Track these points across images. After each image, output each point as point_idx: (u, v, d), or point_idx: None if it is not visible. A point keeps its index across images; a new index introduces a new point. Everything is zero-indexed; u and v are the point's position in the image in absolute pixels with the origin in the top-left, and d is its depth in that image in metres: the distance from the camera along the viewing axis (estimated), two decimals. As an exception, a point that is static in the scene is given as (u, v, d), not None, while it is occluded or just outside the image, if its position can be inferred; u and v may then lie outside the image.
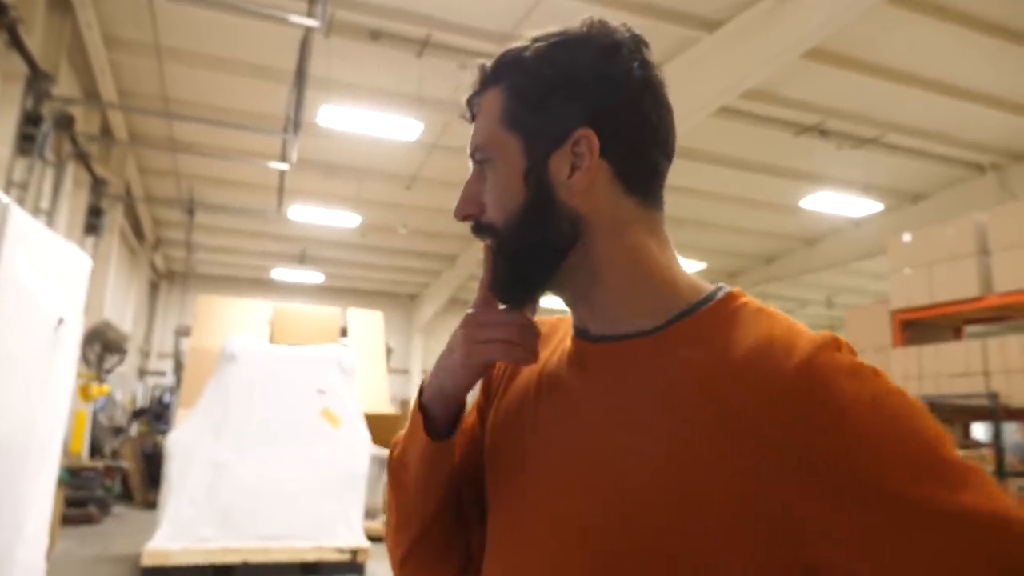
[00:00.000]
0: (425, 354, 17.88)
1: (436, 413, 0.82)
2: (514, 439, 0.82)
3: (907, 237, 6.50)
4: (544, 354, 0.86)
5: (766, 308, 0.74)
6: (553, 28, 0.80)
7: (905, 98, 7.42)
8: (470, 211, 0.81)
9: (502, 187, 0.78)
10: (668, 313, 0.75)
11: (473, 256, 13.39)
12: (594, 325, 0.79)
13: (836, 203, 10.09)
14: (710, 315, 0.74)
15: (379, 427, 6.93)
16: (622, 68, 0.76)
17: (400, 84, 7.49)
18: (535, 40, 0.79)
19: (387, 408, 8.65)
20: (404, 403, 16.54)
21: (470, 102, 0.83)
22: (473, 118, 0.82)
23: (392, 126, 7.71)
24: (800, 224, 11.57)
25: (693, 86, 6.58)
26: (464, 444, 0.89)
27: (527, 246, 0.77)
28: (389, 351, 12.71)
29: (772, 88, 7.30)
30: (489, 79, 0.80)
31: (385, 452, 8.01)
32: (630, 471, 0.69)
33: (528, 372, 0.86)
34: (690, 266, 13.75)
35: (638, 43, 0.79)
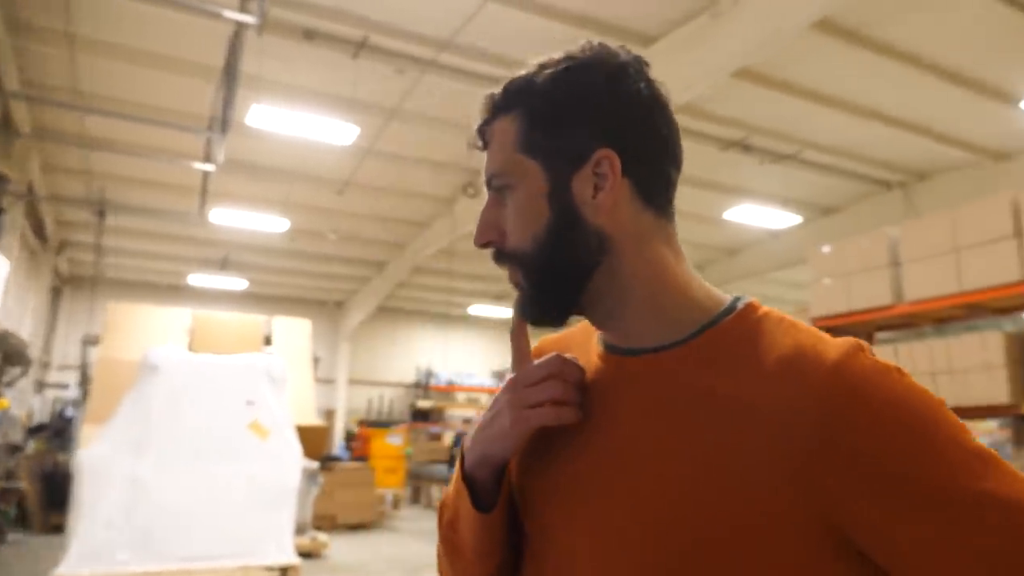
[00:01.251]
0: (352, 363, 17.55)
1: (481, 476, 0.81)
2: (548, 456, 0.81)
3: (826, 249, 6.76)
4: None
5: (787, 318, 0.77)
6: (555, 55, 0.81)
7: (822, 118, 7.75)
8: (491, 238, 0.82)
9: (526, 211, 0.79)
10: (693, 324, 0.77)
11: (403, 263, 13.26)
12: (622, 339, 0.81)
13: (757, 215, 10.45)
14: (735, 325, 0.76)
15: (306, 439, 6.74)
16: (631, 88, 0.79)
17: (335, 86, 7.34)
18: (542, 67, 0.81)
19: (314, 419, 8.43)
20: (330, 414, 16.22)
21: (481, 131, 0.84)
22: (485, 146, 0.83)
23: (326, 129, 7.54)
24: (723, 235, 11.91)
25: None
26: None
27: (556, 267, 0.78)
28: (316, 360, 12.42)
29: (700, 104, 7.50)
30: (500, 107, 0.82)
31: (313, 464, 7.78)
32: (676, 480, 0.70)
33: None
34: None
35: (640, 64, 0.81)
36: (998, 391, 5.19)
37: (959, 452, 0.64)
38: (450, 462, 12.05)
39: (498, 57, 6.73)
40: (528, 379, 0.77)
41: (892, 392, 0.66)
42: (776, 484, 0.65)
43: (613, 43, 0.84)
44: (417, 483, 14.12)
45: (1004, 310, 5.97)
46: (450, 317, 18.43)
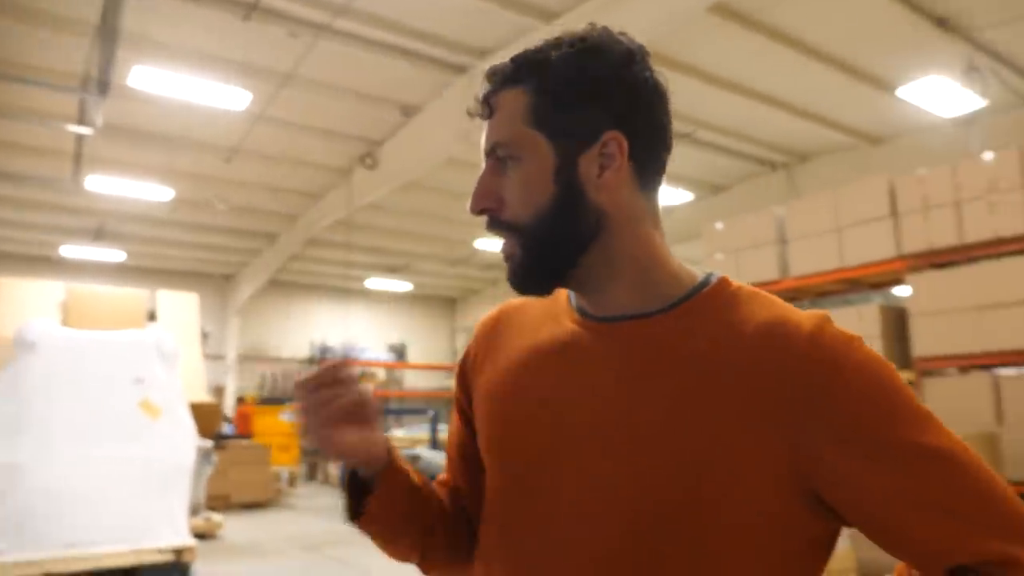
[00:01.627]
0: (242, 338, 16.94)
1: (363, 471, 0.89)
2: (524, 414, 0.85)
3: (719, 225, 7.05)
4: (531, 335, 0.91)
5: (760, 292, 0.84)
6: (561, 34, 0.84)
7: (715, 99, 8.02)
8: (488, 205, 0.84)
9: (531, 184, 0.82)
10: (672, 296, 0.83)
11: (296, 235, 12.85)
12: (602, 309, 0.85)
13: (651, 192, 10.76)
14: (712, 297, 0.82)
15: (197, 417, 6.46)
16: (639, 76, 0.83)
17: (225, 49, 6.94)
18: (554, 44, 0.84)
19: (204, 396, 8.09)
20: (219, 391, 15.61)
21: (487, 99, 0.85)
22: (490, 114, 0.85)
23: (215, 94, 7.14)
24: (618, 211, 12.14)
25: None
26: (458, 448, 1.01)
27: (556, 240, 0.82)
28: (205, 336, 11.88)
29: (601, 81, 7.58)
30: (509, 78, 0.84)
31: (207, 443, 7.47)
32: (666, 434, 0.75)
33: (520, 351, 0.90)
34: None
35: (643, 52, 0.85)
36: (872, 360, 5.60)
37: (908, 411, 0.74)
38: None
39: (395, 24, 6.56)
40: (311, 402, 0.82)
41: (858, 359, 0.74)
42: (760, 438, 0.73)
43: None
44: (313, 460, 13.86)
45: (879, 285, 6.43)
46: (347, 291, 18.06)
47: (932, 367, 5.23)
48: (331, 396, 0.81)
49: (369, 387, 0.84)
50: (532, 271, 0.83)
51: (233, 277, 17.09)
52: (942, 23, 6.42)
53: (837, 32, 6.75)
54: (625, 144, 0.81)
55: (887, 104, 7.95)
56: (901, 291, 6.91)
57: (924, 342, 5.17)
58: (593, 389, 0.81)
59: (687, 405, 0.75)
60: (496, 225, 0.84)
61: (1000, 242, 4.88)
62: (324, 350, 17.72)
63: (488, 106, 0.85)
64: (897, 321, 5.52)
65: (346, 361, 0.83)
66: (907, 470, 0.71)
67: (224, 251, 15.17)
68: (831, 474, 0.73)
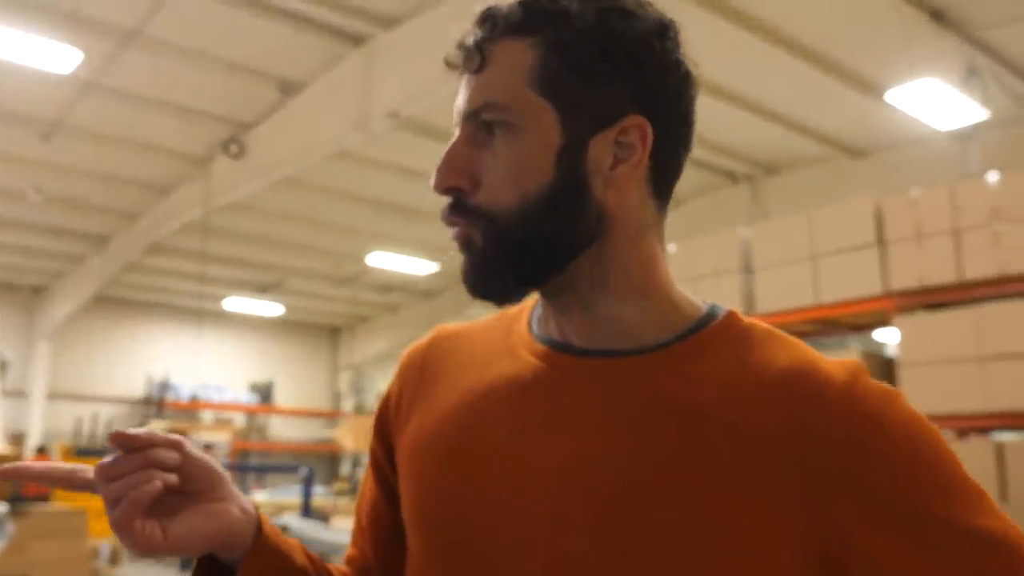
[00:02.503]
0: (56, 370, 16.33)
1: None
2: (468, 476, 0.83)
3: (672, 248, 7.12)
4: (479, 372, 0.89)
5: (775, 330, 0.84)
6: None
7: (670, 92, 8.17)
8: (458, 184, 0.81)
9: (523, 163, 0.79)
10: (672, 329, 0.83)
11: (135, 239, 12.53)
12: (584, 338, 0.84)
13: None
14: (720, 333, 0.82)
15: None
16: (672, 54, 0.83)
17: (48, -6, 6.67)
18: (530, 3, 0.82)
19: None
20: (18, 438, 14.86)
21: (480, 46, 0.82)
22: (479, 67, 0.82)
23: (33, 50, 6.78)
24: (547, 225, 12.29)
25: (444, 52, 6.61)
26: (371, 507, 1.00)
27: (539, 237, 0.80)
28: (4, 364, 11.30)
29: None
30: (513, 25, 0.81)
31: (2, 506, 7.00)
32: (659, 503, 0.74)
33: (464, 393, 0.88)
34: (423, 267, 14.01)
35: (677, 29, 0.85)
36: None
37: (958, 486, 0.74)
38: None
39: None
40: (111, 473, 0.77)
41: (902, 421, 0.75)
42: (780, 512, 0.73)
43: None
44: (144, 531, 13.31)
45: (861, 327, 6.60)
46: (199, 313, 17.57)
47: (923, 429, 5.36)
48: (141, 479, 0.75)
49: (213, 455, 0.79)
50: (496, 269, 0.81)
51: (45, 290, 16.66)
52: (938, 16, 6.72)
53: (816, 21, 6.98)
54: (650, 134, 0.80)
55: (871, 110, 8.27)
56: (885, 335, 7.12)
57: (914, 399, 5.17)
58: (566, 446, 0.79)
59: (688, 468, 0.75)
60: (461, 211, 0.81)
61: (1005, 280, 5.05)
62: (164, 388, 17.22)
63: (480, 55, 0.81)
64: (882, 372, 5.65)
65: (168, 440, 0.78)
66: (958, 560, 0.72)
67: (35, 255, 14.73)
68: (863, 560, 0.73)
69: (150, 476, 0.75)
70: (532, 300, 0.93)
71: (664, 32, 0.83)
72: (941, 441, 0.76)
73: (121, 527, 0.75)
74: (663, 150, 0.82)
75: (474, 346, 0.93)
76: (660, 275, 0.84)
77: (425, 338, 0.99)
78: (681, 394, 0.78)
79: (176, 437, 0.79)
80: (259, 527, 0.85)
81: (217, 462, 0.83)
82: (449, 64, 0.85)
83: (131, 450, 0.76)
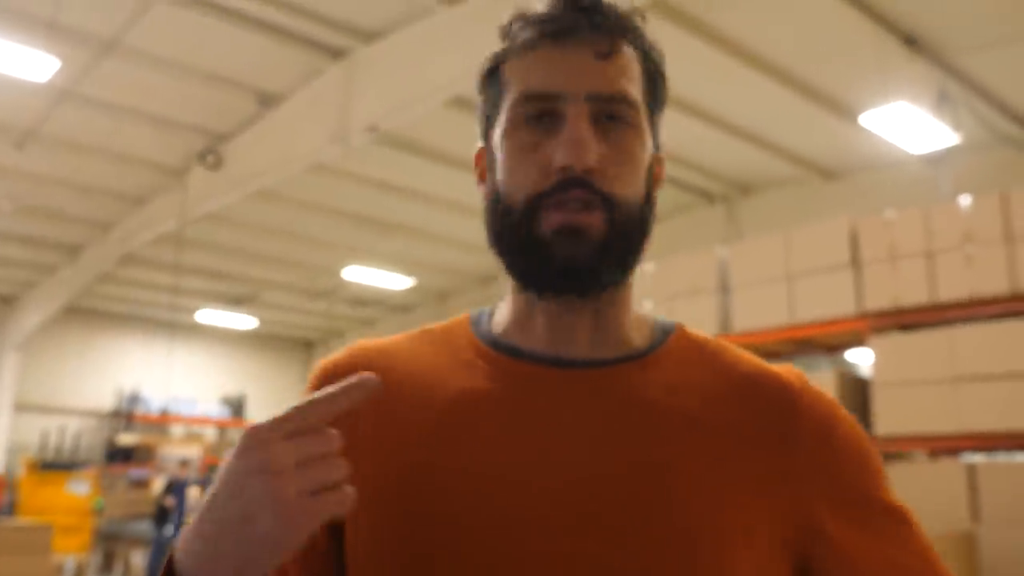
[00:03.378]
0: (21, 383, 16.05)
1: None
2: (463, 505, 0.78)
3: (650, 267, 7.13)
4: (435, 389, 0.86)
5: (722, 340, 0.93)
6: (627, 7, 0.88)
7: (648, 111, 8.20)
8: (597, 165, 0.81)
9: (641, 163, 0.85)
10: (645, 339, 0.89)
11: (108, 250, 12.39)
12: (585, 347, 0.86)
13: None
14: (682, 343, 0.90)
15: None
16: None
17: (27, 2, 6.60)
18: (637, 15, 0.88)
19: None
20: (-15, 450, 14.60)
21: (612, 32, 0.84)
22: (608, 55, 0.83)
23: (9, 57, 6.70)
24: (522, 243, 12.28)
25: (425, 67, 6.64)
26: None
27: (643, 237, 0.86)
28: (-30, 376, 11.10)
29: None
30: (628, 31, 0.86)
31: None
32: (664, 505, 0.77)
33: (429, 413, 0.84)
34: (399, 282, 13.93)
35: None
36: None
37: (881, 471, 0.88)
38: (157, 518, 11.29)
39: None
40: (303, 447, 0.64)
41: (847, 420, 0.88)
42: (762, 498, 0.80)
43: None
44: (111, 546, 13.10)
45: (835, 347, 6.64)
46: (170, 325, 17.39)
47: (896, 449, 5.40)
48: (324, 445, 0.65)
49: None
50: (613, 259, 0.83)
51: (14, 300, 16.49)
52: (910, 42, 6.81)
53: (791, 43, 7.05)
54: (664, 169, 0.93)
55: (845, 132, 8.36)
56: (860, 355, 7.17)
57: (888, 419, 5.33)
58: (575, 456, 0.80)
59: (684, 469, 0.79)
60: (591, 194, 0.80)
61: (977, 303, 5.11)
62: (134, 400, 17.00)
63: (610, 44, 0.83)
64: (856, 392, 5.68)
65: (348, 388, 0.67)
66: (892, 534, 0.83)
67: (5, 264, 14.57)
68: (823, 540, 0.81)
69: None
70: (460, 318, 0.95)
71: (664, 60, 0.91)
72: (865, 435, 0.90)
73: (318, 511, 0.63)
74: None
75: (416, 360, 0.89)
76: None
77: (343, 354, 0.92)
78: (671, 401, 0.83)
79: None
80: None
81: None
82: (553, 23, 0.82)
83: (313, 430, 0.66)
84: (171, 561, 0.67)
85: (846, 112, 7.92)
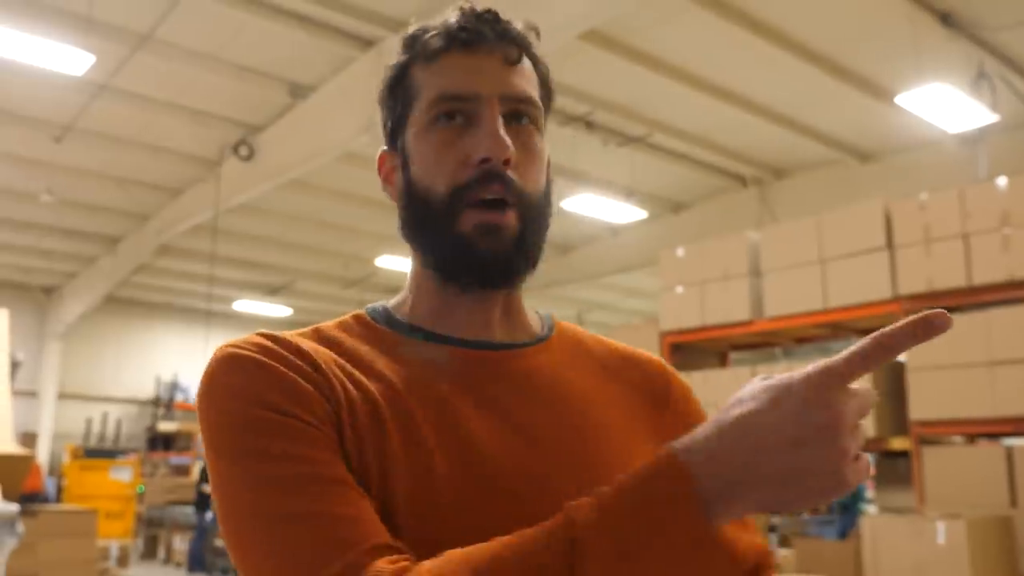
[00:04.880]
0: (64, 369, 16.29)
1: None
2: (467, 464, 0.82)
3: (681, 252, 7.09)
4: (391, 378, 0.87)
5: (579, 328, 1.09)
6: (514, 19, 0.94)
7: (677, 96, 8.15)
8: (513, 158, 0.88)
9: (543, 161, 0.94)
10: (538, 325, 1.01)
11: (146, 240, 12.53)
12: (505, 333, 0.96)
13: (596, 206, 10.69)
14: (563, 329, 1.04)
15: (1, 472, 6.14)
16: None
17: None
18: (520, 27, 0.94)
19: (11, 446, 7.64)
20: (30, 437, 14.82)
21: (519, 42, 0.92)
22: (517, 61, 0.91)
23: (47, 53, 6.79)
24: (555, 228, 12.17)
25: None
26: None
27: (544, 231, 0.94)
28: (15, 365, 11.23)
29: (542, 66, 7.61)
30: (526, 44, 0.93)
31: (10, 507, 7.09)
32: (604, 445, 0.92)
33: (389, 406, 0.84)
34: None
35: None
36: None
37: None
38: (198, 504, 11.44)
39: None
40: (859, 407, 0.67)
41: (677, 374, 1.09)
42: (649, 444, 0.92)
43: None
44: (153, 531, 13.29)
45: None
46: (208, 314, 17.55)
47: (933, 434, 5.35)
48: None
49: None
50: (526, 254, 0.90)
51: (56, 291, 16.63)
52: (946, 20, 6.69)
53: (825, 24, 6.96)
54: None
55: (881, 113, 8.24)
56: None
57: (923, 404, 5.28)
58: (523, 421, 0.88)
59: (610, 425, 0.94)
60: (507, 190, 0.87)
61: (1014, 285, 5.03)
62: (173, 388, 17.19)
63: (517, 52, 0.91)
64: (891, 377, 5.62)
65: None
66: None
67: (47, 256, 14.71)
68: None
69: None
70: (346, 317, 0.99)
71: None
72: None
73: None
74: None
75: (358, 349, 0.90)
76: None
77: (259, 336, 0.85)
78: (577, 375, 0.97)
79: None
80: None
81: None
82: (465, 32, 0.89)
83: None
84: (686, 474, 0.67)
85: (881, 93, 7.80)
